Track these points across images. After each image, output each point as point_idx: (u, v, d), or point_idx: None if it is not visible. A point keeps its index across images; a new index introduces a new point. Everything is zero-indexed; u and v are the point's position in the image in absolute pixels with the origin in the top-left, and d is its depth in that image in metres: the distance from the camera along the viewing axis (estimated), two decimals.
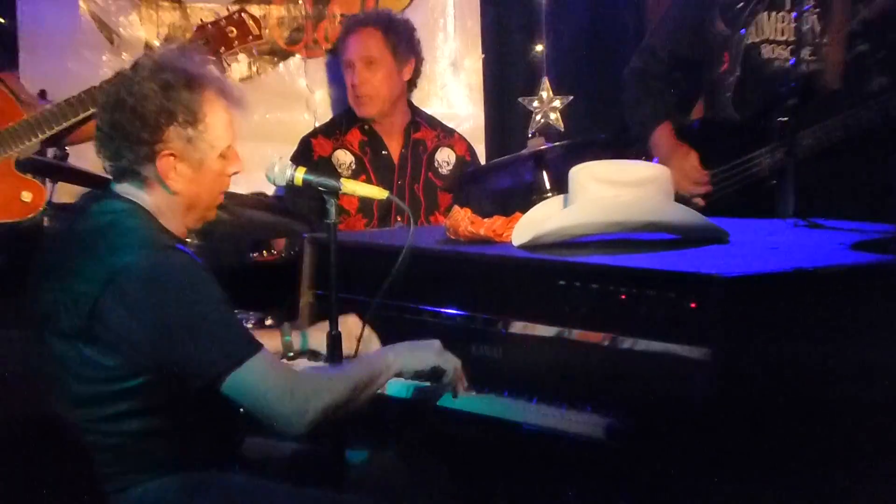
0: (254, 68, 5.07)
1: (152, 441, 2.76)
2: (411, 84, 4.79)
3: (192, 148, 2.79)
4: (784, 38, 4.12)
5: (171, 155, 2.78)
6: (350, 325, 3.14)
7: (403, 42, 4.67)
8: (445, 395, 3.00)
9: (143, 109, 2.75)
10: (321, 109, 5.05)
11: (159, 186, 2.81)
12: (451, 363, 2.96)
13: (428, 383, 3.01)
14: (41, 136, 4.06)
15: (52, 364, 2.77)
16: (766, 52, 4.15)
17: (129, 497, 2.75)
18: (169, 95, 2.76)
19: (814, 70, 4.03)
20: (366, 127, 4.74)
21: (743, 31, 4.17)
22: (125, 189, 2.83)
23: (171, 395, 2.73)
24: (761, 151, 4.08)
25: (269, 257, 4.56)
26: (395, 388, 3.06)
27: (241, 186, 4.60)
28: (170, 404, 2.75)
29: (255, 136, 4.89)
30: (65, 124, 4.06)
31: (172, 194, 2.82)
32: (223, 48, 4.13)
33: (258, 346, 2.74)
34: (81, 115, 4.04)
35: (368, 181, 4.59)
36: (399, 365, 2.90)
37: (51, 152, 4.34)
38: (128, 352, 2.69)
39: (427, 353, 2.94)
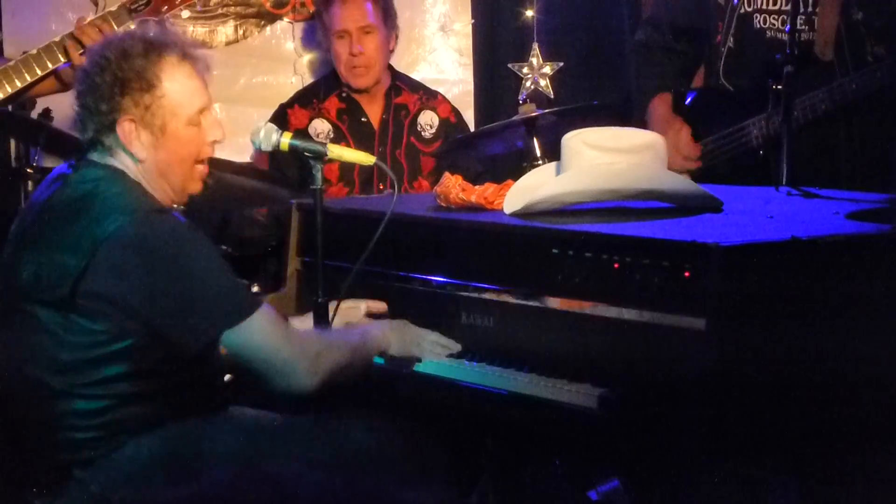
0: (240, 32, 5.02)
1: (137, 404, 2.74)
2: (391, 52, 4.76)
3: (151, 114, 2.80)
4: (776, 7, 4.09)
5: (131, 120, 2.79)
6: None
7: (391, 10, 4.65)
8: (427, 362, 3.01)
9: (99, 81, 2.79)
10: (308, 73, 5.01)
11: (124, 154, 2.81)
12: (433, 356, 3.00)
13: None
14: None
15: (30, 332, 2.73)
16: (759, 21, 4.12)
17: (120, 457, 2.70)
18: (123, 64, 2.79)
19: (805, 40, 3.99)
20: (343, 94, 4.68)
21: (736, 0, 4.13)
22: (98, 158, 2.83)
23: (158, 357, 2.72)
24: (751, 121, 4.05)
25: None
26: None
27: (226, 151, 4.58)
28: (156, 366, 2.74)
29: (242, 100, 4.89)
30: (20, 85, 3.80)
31: (138, 162, 2.82)
32: (165, 7, 3.94)
33: (258, 303, 2.76)
34: (40, 73, 3.79)
35: None
36: (385, 346, 2.99)
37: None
38: (117, 316, 2.67)
39: (415, 349, 3.00)
